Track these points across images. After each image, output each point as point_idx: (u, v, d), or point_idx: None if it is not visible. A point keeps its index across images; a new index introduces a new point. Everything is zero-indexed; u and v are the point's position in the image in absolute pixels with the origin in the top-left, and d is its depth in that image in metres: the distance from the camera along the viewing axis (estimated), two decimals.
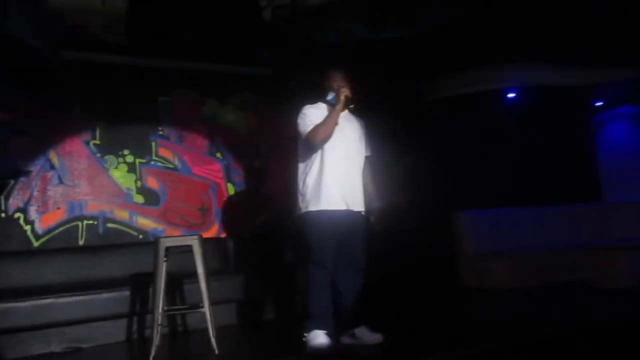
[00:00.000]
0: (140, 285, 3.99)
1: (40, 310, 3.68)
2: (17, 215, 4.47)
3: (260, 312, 4.47)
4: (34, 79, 4.59)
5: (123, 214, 4.86)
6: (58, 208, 4.63)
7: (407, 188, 5.82)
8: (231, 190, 5.40)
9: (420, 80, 6.16)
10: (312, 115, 3.35)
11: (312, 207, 3.28)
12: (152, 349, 3.25)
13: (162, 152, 5.13)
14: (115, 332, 3.96)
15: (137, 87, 5.07)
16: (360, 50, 5.27)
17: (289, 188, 5.50)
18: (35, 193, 4.56)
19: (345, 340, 3.32)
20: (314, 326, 3.23)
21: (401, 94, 6.07)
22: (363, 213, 3.43)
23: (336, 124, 3.28)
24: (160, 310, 3.32)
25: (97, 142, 4.87)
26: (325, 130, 3.26)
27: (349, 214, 3.32)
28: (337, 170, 3.31)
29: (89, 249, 4.55)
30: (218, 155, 5.39)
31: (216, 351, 3.30)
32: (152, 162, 5.06)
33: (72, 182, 4.72)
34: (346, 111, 3.41)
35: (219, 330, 3.42)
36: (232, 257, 4.83)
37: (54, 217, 4.60)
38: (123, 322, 3.99)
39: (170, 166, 5.14)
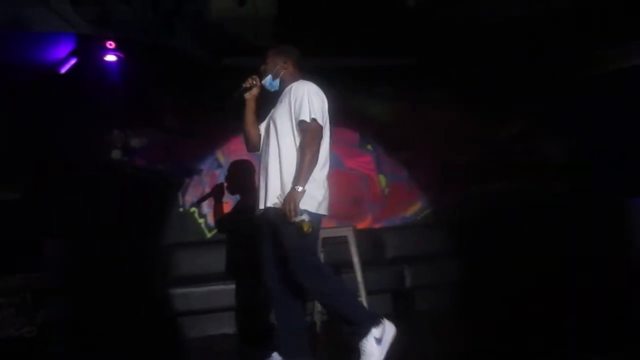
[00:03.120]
0: None
1: (214, 295, 4.06)
2: (192, 210, 4.97)
3: (415, 303, 4.45)
4: (200, 86, 5.04)
5: None
6: (225, 202, 5.05)
7: (568, 174, 5.36)
8: (382, 181, 5.44)
9: (581, 54, 5.61)
10: None
11: None
12: (314, 335, 3.40)
13: None
14: None
15: None
16: (509, 31, 4.95)
17: (437, 179, 5.45)
18: (206, 189, 5.02)
19: None
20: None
21: (557, 70, 5.59)
22: (272, 206, 2.73)
23: (247, 124, 3.04)
24: None
25: None
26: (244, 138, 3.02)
27: (258, 218, 2.84)
28: (259, 170, 2.96)
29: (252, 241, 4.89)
30: (368, 147, 5.46)
31: None
32: None
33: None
34: (284, 92, 2.89)
35: None
36: (386, 248, 4.88)
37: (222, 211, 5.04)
38: None
39: None
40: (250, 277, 4.16)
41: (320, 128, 2.71)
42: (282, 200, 2.61)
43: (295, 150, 2.71)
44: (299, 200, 2.55)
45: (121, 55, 4.53)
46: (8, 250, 4.09)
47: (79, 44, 4.40)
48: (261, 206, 2.76)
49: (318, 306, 3.46)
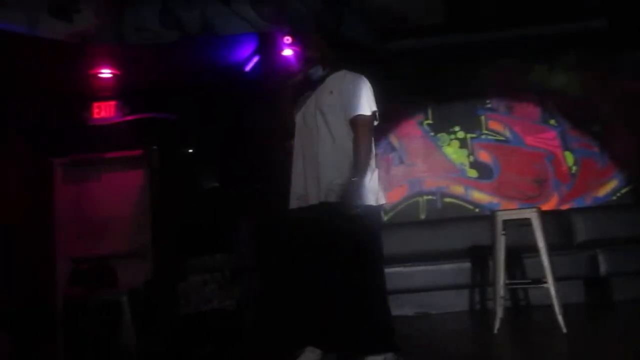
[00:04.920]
0: (479, 257, 4.09)
1: (392, 277, 4.09)
2: None
3: (611, 291, 4.04)
4: (370, 72, 5.10)
5: (458, 189, 5.05)
6: (400, 186, 5.10)
7: None
8: (569, 159, 5.01)
9: None
10: None
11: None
12: (496, 321, 3.29)
13: (492, 125, 5.11)
14: (458, 301, 4.17)
15: (462, 63, 5.14)
16: None
17: (636, 153, 4.85)
18: (381, 173, 5.10)
19: None
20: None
21: None
22: (328, 201, 2.58)
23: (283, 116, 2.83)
24: (501, 283, 3.33)
25: (429, 121, 5.16)
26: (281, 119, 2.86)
27: (307, 210, 2.64)
28: (295, 162, 2.75)
29: (429, 223, 4.89)
30: (551, 122, 5.08)
31: (564, 329, 3.13)
32: (483, 136, 5.10)
33: (410, 162, 5.13)
34: (325, 81, 2.72)
35: (564, 308, 3.23)
36: (575, 231, 4.51)
37: (397, 194, 5.09)
38: (465, 293, 4.18)
39: (501, 138, 5.09)
40: (431, 259, 4.19)
41: (373, 121, 2.68)
42: (341, 194, 2.53)
43: (349, 142, 2.63)
44: (360, 194, 2.52)
45: (297, 49, 4.78)
46: (212, 233, 4.62)
47: (259, 43, 4.75)
48: (314, 200, 2.62)
49: (500, 291, 3.32)
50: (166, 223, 4.95)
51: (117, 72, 5.02)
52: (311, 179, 2.63)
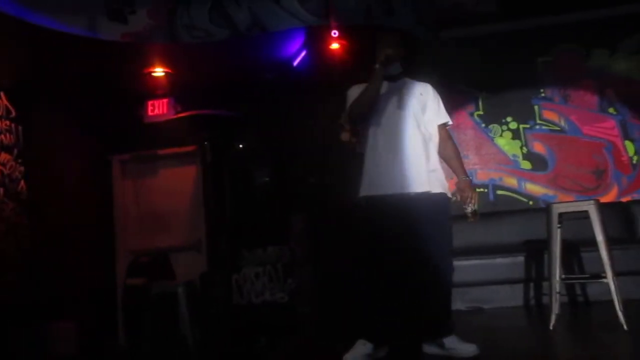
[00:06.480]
0: (534, 252, 3.99)
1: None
2: None
3: None
4: (421, 62, 5.02)
5: (511, 181, 4.94)
6: (451, 178, 5.00)
7: None
8: (630, 149, 4.80)
9: None
10: (355, 95, 2.87)
11: (362, 193, 2.83)
12: (552, 316, 3.20)
13: (547, 114, 4.97)
14: (512, 296, 4.08)
15: (514, 52, 5.01)
16: None
17: None
18: None
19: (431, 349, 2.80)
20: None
21: None
22: (429, 193, 2.82)
23: (372, 93, 2.77)
24: (557, 278, 3.24)
25: (480, 112, 5.06)
26: (359, 102, 2.81)
27: (401, 197, 2.75)
28: (380, 150, 2.82)
29: (481, 216, 4.76)
30: (611, 110, 4.88)
31: (625, 326, 3.02)
32: (537, 127, 4.96)
33: (461, 153, 5.02)
34: (403, 80, 2.89)
35: (624, 304, 3.11)
36: (638, 224, 4.33)
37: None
38: (519, 287, 4.08)
39: (557, 129, 4.94)
40: (483, 253, 4.11)
41: None
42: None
43: (436, 141, 2.94)
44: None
45: (345, 42, 4.77)
46: (264, 226, 4.70)
47: (307, 37, 4.77)
48: (415, 189, 2.76)
49: (556, 286, 3.23)
50: (220, 217, 5.06)
51: (170, 70, 5.16)
52: (412, 170, 2.79)
